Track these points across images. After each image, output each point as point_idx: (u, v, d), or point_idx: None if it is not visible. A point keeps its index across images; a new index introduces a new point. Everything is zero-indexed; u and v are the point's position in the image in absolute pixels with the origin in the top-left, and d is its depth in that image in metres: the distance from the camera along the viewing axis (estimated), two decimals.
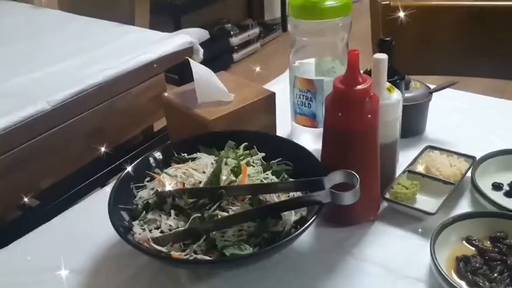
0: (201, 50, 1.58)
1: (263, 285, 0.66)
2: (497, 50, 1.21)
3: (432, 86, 0.94)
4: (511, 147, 0.82)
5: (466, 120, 0.97)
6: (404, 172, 0.80)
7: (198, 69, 0.85)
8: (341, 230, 0.73)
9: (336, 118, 0.68)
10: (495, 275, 0.63)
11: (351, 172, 0.63)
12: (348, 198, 0.61)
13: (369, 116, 0.66)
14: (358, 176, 0.62)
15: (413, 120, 0.91)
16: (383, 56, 0.71)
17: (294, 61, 0.89)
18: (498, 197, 0.76)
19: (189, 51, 1.51)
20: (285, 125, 0.95)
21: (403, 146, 0.89)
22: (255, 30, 3.32)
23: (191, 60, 0.87)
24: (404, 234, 0.72)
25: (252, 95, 0.86)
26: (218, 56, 3.09)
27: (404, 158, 0.84)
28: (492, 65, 1.20)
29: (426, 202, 0.75)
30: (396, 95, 0.74)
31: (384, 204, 0.77)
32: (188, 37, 1.51)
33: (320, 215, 0.76)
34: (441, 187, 0.76)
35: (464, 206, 0.76)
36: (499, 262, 0.64)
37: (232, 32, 3.15)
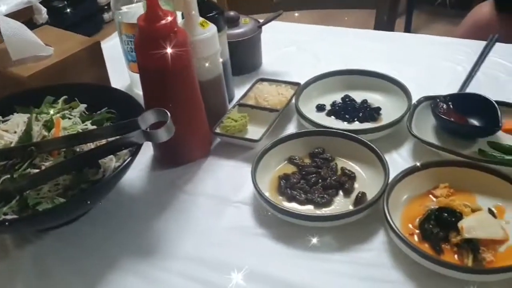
0: (44, 9, 1.47)
1: (99, 236, 0.65)
2: None
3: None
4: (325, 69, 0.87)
5: (299, 50, 1.01)
6: (234, 106, 0.82)
7: (8, 25, 0.78)
8: (175, 170, 0.74)
9: (144, 57, 0.67)
10: (311, 186, 0.68)
11: (161, 109, 0.62)
12: (162, 134, 0.61)
13: (177, 51, 0.66)
14: (168, 112, 0.62)
15: (246, 56, 0.93)
16: None
17: (118, 7, 0.85)
18: (320, 117, 0.81)
19: (28, 11, 1.40)
20: (125, 76, 0.92)
21: (240, 82, 0.91)
22: None
23: None
24: (235, 164, 0.75)
25: (74, 46, 0.82)
26: (88, 18, 2.90)
27: (240, 94, 0.86)
28: None
29: (255, 131, 0.78)
30: (210, 30, 0.74)
31: (218, 139, 0.79)
32: None
33: (152, 158, 0.77)
34: (269, 116, 0.79)
35: (291, 130, 0.80)
36: (314, 174, 0.69)
37: None
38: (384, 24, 1.22)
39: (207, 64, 0.75)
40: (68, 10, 2.75)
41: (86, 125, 0.68)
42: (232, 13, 0.92)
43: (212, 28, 0.74)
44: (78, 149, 0.65)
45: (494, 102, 0.73)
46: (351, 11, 1.48)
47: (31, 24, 1.08)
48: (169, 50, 0.65)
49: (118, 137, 0.64)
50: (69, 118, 0.68)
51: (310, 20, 1.25)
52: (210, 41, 0.74)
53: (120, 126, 0.65)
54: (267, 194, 0.67)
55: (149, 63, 0.67)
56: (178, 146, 0.73)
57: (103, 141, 0.66)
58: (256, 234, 0.64)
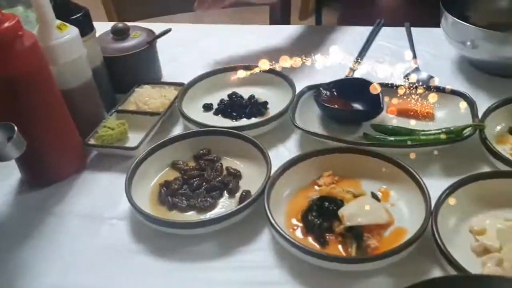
0: None
1: None
2: None
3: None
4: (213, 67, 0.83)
5: (193, 51, 0.96)
6: (111, 113, 0.75)
7: None
8: (44, 191, 0.66)
9: None
10: (193, 190, 0.63)
11: (6, 123, 0.55)
12: (9, 151, 0.54)
13: (25, 57, 0.59)
14: (14, 126, 0.54)
15: (138, 70, 0.84)
16: None
17: None
18: (208, 117, 0.76)
19: None
20: None
21: None
22: None
23: None
24: (113, 177, 0.68)
25: None
26: None
27: None
28: None
29: (137, 139, 0.71)
30: (70, 33, 0.67)
31: (95, 151, 0.72)
32: None
33: (19, 179, 0.68)
34: (150, 120, 0.74)
35: (177, 133, 0.75)
36: (197, 178, 0.64)
37: None
38: (279, 21, 1.21)
39: (70, 70, 0.68)
40: None
41: None
42: (120, 24, 0.85)
43: (72, 31, 0.67)
44: None
45: (376, 85, 0.72)
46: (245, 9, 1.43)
47: None
48: (12, 57, 0.57)
49: None
50: None
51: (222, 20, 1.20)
52: (70, 45, 0.67)
53: None
54: (146, 204, 0.61)
55: None
56: (44, 163, 0.65)
57: None
58: (134, 251, 0.58)
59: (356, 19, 1.02)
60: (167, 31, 0.87)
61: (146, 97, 0.77)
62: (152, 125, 0.72)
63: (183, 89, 0.79)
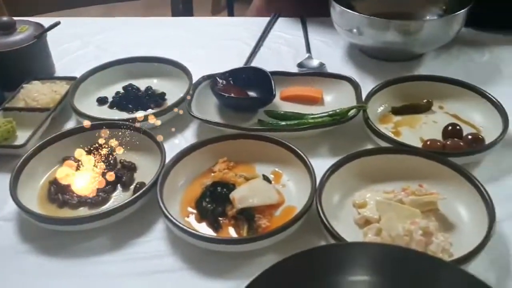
0: None
1: None
2: None
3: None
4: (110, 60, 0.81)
5: (90, 45, 0.94)
6: None
7: None
8: None
9: None
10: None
11: None
12: None
13: None
14: None
15: (28, 64, 0.79)
16: None
17: None
18: (102, 111, 0.75)
19: None
20: None
21: None
22: None
23: None
24: (1, 177, 0.64)
25: None
26: None
27: None
28: None
29: (26, 136, 0.68)
30: None
31: None
32: None
33: None
34: (40, 117, 0.70)
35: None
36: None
37: None
38: (181, 12, 1.20)
39: None
40: None
41: None
42: (5, 18, 0.80)
43: None
44: None
45: (268, 73, 0.74)
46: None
47: None
48: None
49: None
50: None
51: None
52: None
53: None
54: (35, 203, 0.59)
55: None
56: None
57: None
58: (24, 252, 0.55)
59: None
60: (56, 24, 0.83)
61: (35, 93, 0.74)
62: (41, 122, 0.69)
63: (75, 83, 0.76)
